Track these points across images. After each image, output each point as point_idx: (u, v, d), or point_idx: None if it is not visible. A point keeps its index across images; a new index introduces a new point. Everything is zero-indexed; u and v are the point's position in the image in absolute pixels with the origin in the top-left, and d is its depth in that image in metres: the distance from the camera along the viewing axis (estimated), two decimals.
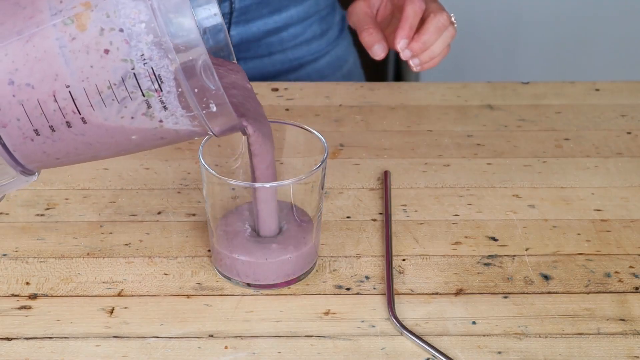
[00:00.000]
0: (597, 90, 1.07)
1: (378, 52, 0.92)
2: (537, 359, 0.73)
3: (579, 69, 1.82)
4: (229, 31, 1.10)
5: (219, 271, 0.81)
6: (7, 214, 0.88)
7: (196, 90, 0.65)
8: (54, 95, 0.65)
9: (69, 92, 0.65)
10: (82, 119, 0.66)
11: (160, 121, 0.67)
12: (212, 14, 0.69)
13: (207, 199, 0.78)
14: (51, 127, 0.66)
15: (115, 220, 0.87)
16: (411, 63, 0.92)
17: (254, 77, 1.15)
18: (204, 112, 0.66)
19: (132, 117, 0.66)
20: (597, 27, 1.79)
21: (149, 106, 0.65)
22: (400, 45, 0.91)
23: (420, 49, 0.91)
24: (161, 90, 0.65)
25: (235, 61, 0.77)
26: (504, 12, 1.78)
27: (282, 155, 0.82)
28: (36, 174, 0.72)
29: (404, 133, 1.00)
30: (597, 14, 1.78)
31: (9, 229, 0.86)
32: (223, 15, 1.08)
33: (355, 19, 0.96)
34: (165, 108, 0.66)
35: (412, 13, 0.91)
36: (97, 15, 0.64)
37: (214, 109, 0.66)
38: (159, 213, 0.88)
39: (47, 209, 0.88)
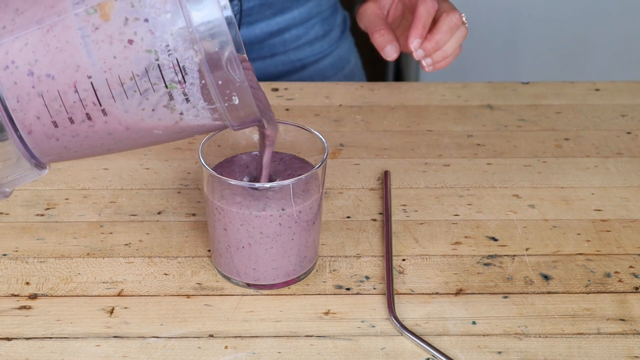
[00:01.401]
0: (597, 90, 1.07)
1: (390, 53, 0.92)
2: (537, 359, 0.73)
3: (579, 69, 1.82)
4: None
5: (219, 271, 0.81)
6: (7, 214, 0.88)
7: (220, 82, 0.64)
8: (75, 87, 0.64)
9: (91, 83, 0.64)
10: (103, 110, 0.65)
11: (181, 114, 0.66)
12: (221, 6, 0.68)
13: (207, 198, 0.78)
14: (70, 119, 0.65)
15: (115, 220, 0.87)
16: (423, 63, 0.92)
17: (257, 78, 1.15)
18: (226, 104, 0.65)
19: (153, 110, 0.65)
20: (597, 27, 1.79)
21: (171, 98, 0.65)
22: (414, 44, 0.91)
23: (433, 49, 0.91)
24: (184, 82, 0.64)
25: (245, 55, 0.77)
26: (504, 12, 1.78)
27: None
28: (47, 167, 0.71)
29: (404, 133, 1.00)
30: (597, 13, 1.78)
31: (9, 229, 0.86)
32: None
33: (367, 21, 0.95)
34: (187, 100, 0.65)
35: (425, 13, 0.91)
36: (122, 5, 0.63)
37: (236, 101, 0.65)
38: (159, 213, 0.88)
39: (47, 209, 0.88)
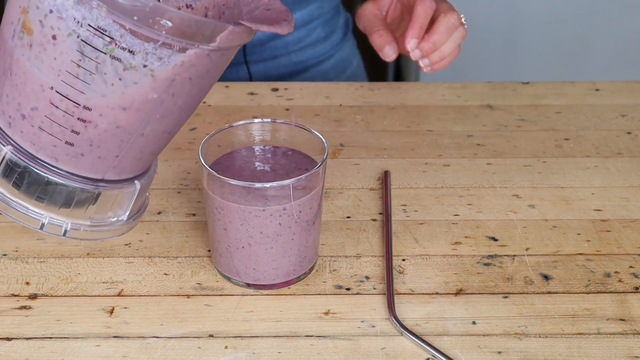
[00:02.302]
0: (597, 90, 1.07)
1: (389, 53, 0.92)
2: (537, 359, 0.73)
3: (579, 69, 1.82)
4: None
5: (219, 271, 0.81)
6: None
7: (135, 18, 0.64)
8: (52, 103, 0.67)
9: (57, 92, 0.66)
10: (85, 107, 0.67)
11: (145, 66, 0.66)
12: None
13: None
14: (73, 131, 0.68)
15: None
16: (421, 63, 0.92)
17: (259, 81, 1.15)
18: (163, 31, 0.65)
19: (120, 79, 0.66)
20: (597, 27, 1.79)
21: (119, 60, 0.66)
22: (410, 45, 0.90)
23: (431, 49, 0.91)
24: (113, 39, 0.65)
25: None
26: (504, 12, 1.78)
27: None
28: (136, 181, 0.73)
29: (404, 133, 1.00)
30: (597, 13, 1.78)
31: (9, 229, 0.86)
32: None
33: (365, 21, 0.95)
34: (132, 52, 0.65)
35: (422, 13, 0.90)
36: (33, 13, 0.66)
37: (170, 23, 0.65)
38: (159, 213, 0.88)
39: None
